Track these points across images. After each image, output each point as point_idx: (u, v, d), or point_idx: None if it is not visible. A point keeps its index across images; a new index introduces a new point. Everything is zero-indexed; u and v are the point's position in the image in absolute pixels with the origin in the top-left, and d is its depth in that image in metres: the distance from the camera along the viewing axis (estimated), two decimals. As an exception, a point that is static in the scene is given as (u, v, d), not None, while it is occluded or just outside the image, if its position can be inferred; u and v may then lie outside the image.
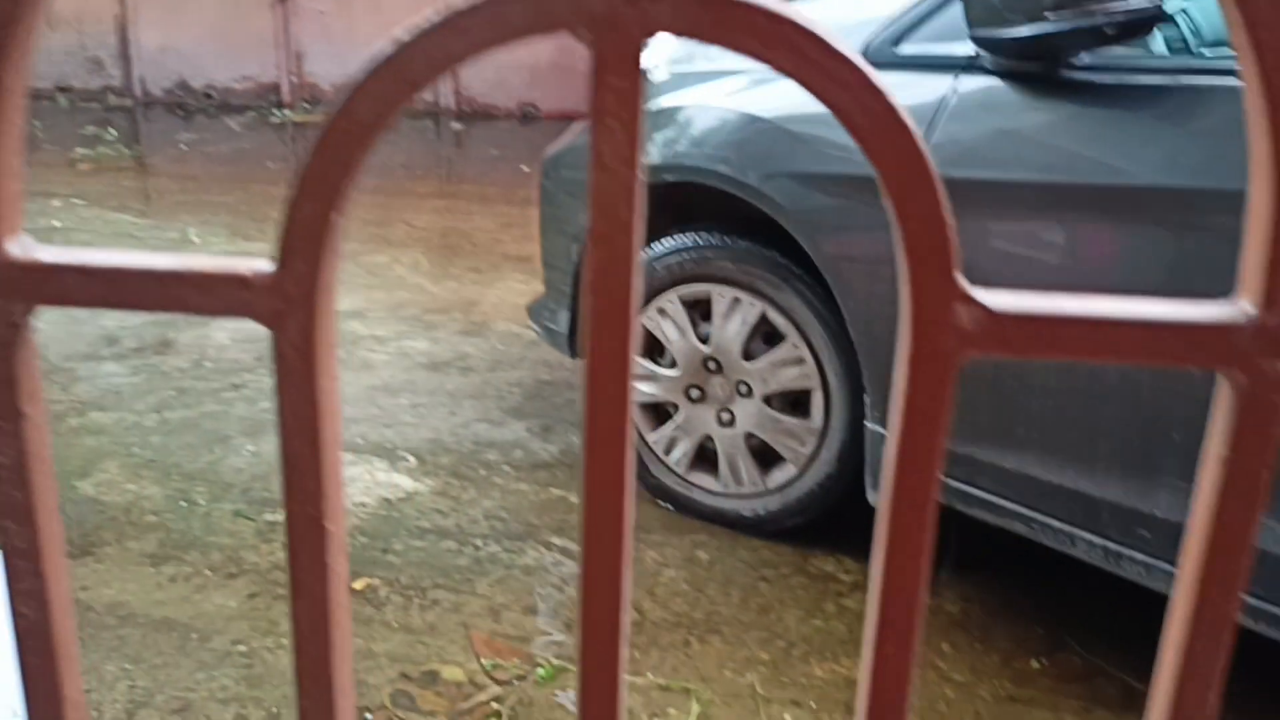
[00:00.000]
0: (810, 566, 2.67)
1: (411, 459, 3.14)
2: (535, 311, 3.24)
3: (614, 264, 0.49)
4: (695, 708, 2.17)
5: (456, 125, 8.76)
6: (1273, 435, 0.49)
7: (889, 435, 0.50)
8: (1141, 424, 2.01)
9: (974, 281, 0.48)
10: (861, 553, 2.73)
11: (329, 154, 0.48)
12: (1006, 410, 2.15)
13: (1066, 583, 2.64)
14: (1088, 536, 2.11)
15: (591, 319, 0.49)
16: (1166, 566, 2.03)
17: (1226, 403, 0.49)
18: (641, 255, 0.51)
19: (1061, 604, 2.58)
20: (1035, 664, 2.40)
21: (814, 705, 2.20)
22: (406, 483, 3.00)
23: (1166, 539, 2.02)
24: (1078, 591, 2.61)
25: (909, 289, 0.47)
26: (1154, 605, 2.23)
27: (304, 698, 0.57)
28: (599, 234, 0.48)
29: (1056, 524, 2.15)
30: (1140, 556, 2.06)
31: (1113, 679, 2.38)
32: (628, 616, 0.54)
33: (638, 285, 0.49)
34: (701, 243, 2.68)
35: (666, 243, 2.72)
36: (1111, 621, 2.52)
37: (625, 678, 0.54)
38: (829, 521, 2.75)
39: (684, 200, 2.72)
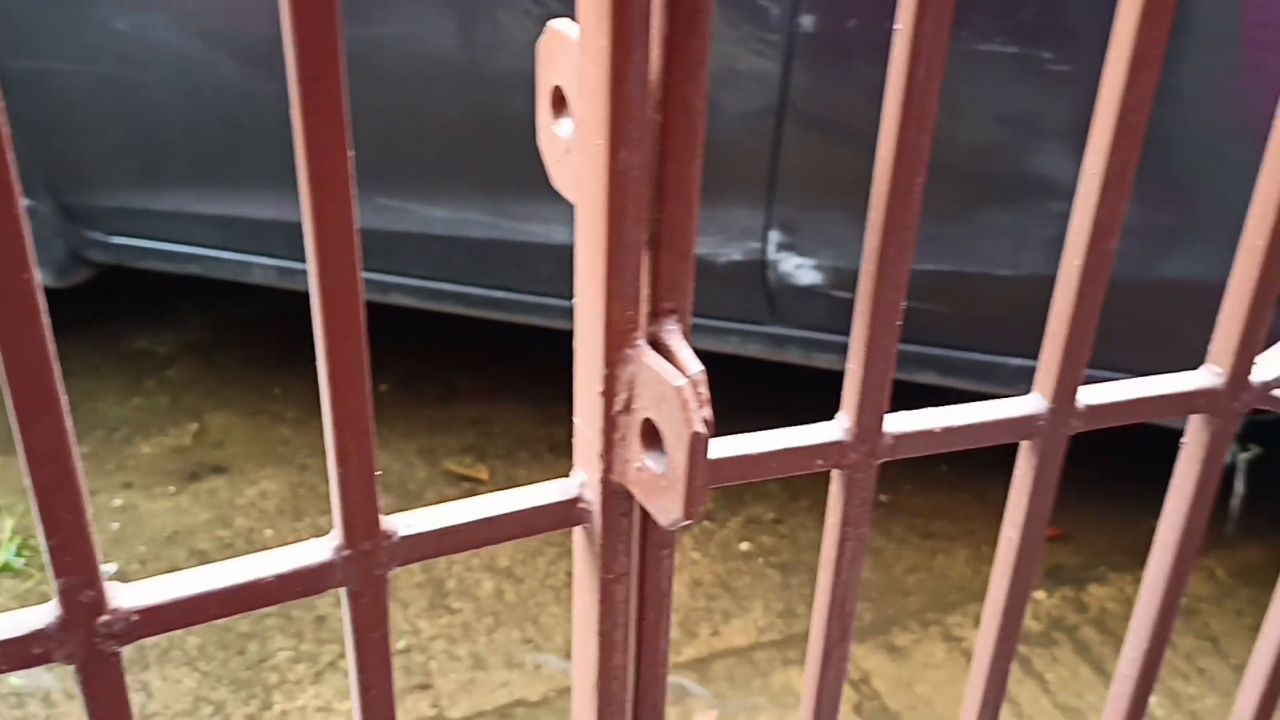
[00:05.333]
0: (121, 347, 2.54)
1: None
2: None
3: None
4: (9, 522, 2.07)
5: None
6: None
7: None
8: (276, 138, 1.90)
9: None
10: (172, 322, 2.62)
11: None
12: (144, 148, 2.00)
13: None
14: (261, 260, 2.03)
15: None
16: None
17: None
18: None
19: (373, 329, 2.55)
20: (382, 387, 2.39)
21: (143, 483, 2.16)
22: None
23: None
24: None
25: None
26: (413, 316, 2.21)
27: None
28: None
29: (229, 255, 2.05)
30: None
31: (435, 379, 2.48)
32: None
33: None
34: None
35: None
36: (432, 335, 2.52)
37: None
38: (137, 297, 2.62)
39: None
